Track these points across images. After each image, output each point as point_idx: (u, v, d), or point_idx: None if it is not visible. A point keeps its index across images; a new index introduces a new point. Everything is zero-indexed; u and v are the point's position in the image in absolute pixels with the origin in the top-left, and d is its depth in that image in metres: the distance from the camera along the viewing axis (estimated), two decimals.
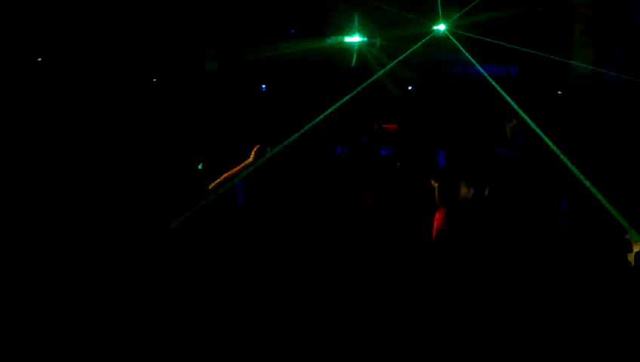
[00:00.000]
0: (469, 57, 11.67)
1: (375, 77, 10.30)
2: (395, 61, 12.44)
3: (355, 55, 12.97)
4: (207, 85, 13.40)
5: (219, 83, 13.46)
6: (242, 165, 4.16)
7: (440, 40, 11.77)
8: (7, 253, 3.45)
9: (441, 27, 11.18)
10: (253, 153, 4.20)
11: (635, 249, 3.82)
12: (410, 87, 14.61)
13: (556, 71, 12.27)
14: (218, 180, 4.13)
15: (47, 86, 10.59)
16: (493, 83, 9.06)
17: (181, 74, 13.19)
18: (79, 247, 3.44)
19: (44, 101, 9.76)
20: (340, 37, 12.80)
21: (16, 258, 3.43)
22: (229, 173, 4.15)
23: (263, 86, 13.96)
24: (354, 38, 12.58)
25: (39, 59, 11.43)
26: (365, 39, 12.82)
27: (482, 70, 12.11)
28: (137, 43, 11.84)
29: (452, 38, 11.29)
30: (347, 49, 12.95)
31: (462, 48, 11.57)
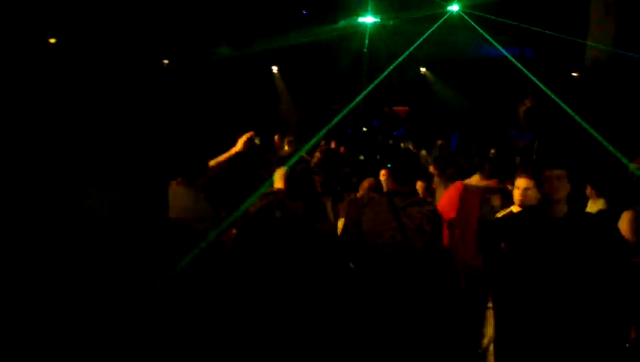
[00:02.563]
0: (489, 38, 11.53)
1: (395, 63, 10.19)
2: (414, 46, 12.31)
3: (368, 37, 12.83)
4: (220, 71, 13.36)
5: (231, 68, 13.40)
6: (228, 153, 3.99)
7: (454, 20, 11.62)
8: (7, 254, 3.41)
9: (455, 7, 11.04)
10: (240, 141, 4.04)
11: (596, 205, 3.79)
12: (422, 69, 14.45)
13: (571, 52, 12.07)
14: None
15: (56, 72, 10.62)
16: (517, 63, 8.92)
17: (193, 59, 13.17)
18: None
19: (51, 88, 9.78)
20: (352, 18, 12.66)
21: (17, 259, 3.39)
22: (215, 160, 4.02)
23: None
24: (367, 19, 12.42)
25: (50, 42, 11.49)
26: (378, 20, 12.66)
27: (504, 51, 11.96)
28: (149, 28, 11.82)
29: (467, 17, 11.16)
30: (359, 31, 12.82)
31: (478, 28, 11.42)
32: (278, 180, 3.80)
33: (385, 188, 3.54)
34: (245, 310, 3.20)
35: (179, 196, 3.64)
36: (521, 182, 3.59)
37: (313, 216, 3.20)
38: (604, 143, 5.55)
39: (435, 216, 3.25)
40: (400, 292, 3.14)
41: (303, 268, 3.11)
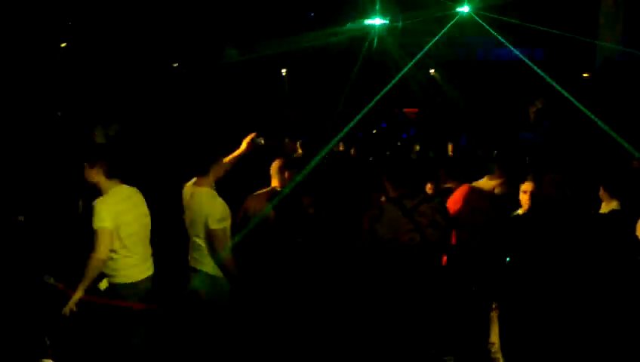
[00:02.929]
0: (500, 38, 11.48)
1: (409, 66, 10.15)
2: (426, 49, 12.26)
3: (376, 39, 12.81)
4: (227, 75, 13.37)
5: (239, 73, 13.41)
6: (232, 155, 3.97)
7: (464, 22, 11.57)
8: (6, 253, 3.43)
9: (465, 9, 10.99)
10: (245, 142, 4.10)
11: (609, 206, 3.74)
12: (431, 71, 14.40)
13: (582, 52, 11.98)
14: None
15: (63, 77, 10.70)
16: (530, 63, 8.85)
17: (202, 62, 13.21)
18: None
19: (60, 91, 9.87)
20: (360, 20, 12.63)
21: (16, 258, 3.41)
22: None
23: None
24: (375, 21, 12.39)
25: (61, 45, 11.58)
26: (387, 22, 12.62)
27: (515, 51, 11.88)
28: (158, 32, 11.87)
29: (477, 18, 11.11)
30: (368, 33, 12.79)
31: (489, 28, 11.37)
32: (274, 175, 3.82)
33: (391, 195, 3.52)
34: (266, 306, 3.21)
35: (196, 196, 3.64)
36: (527, 186, 3.62)
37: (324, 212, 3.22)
38: (619, 140, 5.49)
39: (444, 207, 3.30)
40: (418, 293, 3.14)
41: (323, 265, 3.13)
